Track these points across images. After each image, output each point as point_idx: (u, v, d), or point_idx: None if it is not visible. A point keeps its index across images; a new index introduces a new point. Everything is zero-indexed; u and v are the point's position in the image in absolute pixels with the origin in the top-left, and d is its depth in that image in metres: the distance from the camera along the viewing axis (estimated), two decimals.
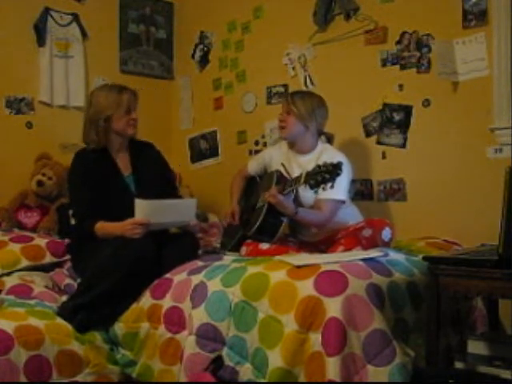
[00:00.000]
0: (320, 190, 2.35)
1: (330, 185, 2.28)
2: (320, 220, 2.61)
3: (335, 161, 2.30)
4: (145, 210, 2.43)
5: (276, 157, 2.89)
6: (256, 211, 2.72)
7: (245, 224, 2.81)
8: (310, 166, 2.41)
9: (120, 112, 2.62)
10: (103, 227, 2.51)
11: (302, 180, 2.36)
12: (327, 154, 2.71)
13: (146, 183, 2.69)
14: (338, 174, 2.26)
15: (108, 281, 2.33)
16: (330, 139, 2.88)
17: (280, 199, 2.48)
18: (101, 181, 2.59)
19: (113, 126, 2.63)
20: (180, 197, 2.97)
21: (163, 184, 2.77)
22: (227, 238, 2.99)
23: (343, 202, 2.66)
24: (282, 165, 2.68)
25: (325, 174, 2.25)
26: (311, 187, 2.32)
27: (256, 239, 2.69)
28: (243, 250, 2.73)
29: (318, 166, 2.30)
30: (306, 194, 2.58)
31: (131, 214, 2.43)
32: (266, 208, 2.59)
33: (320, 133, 2.82)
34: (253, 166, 3.03)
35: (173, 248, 2.54)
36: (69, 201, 2.75)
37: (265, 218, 2.60)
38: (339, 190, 2.54)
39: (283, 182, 2.56)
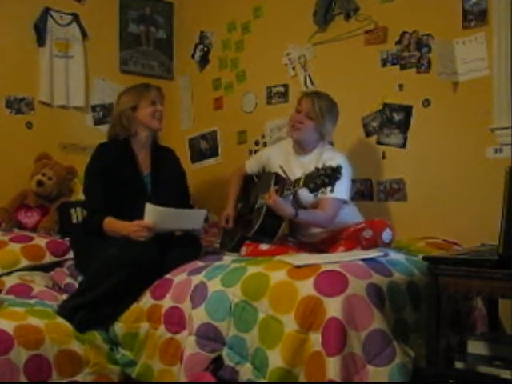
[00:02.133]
0: (319, 194, 2.35)
1: (329, 189, 2.27)
2: (323, 220, 2.60)
3: (335, 163, 2.29)
4: (154, 215, 2.44)
5: (275, 156, 2.88)
6: (255, 212, 2.71)
7: (244, 225, 2.81)
8: (311, 166, 2.41)
9: (145, 102, 2.71)
10: (111, 223, 2.52)
11: (302, 183, 2.34)
12: (327, 154, 2.71)
13: (162, 185, 2.72)
14: (338, 178, 2.24)
15: (110, 281, 2.33)
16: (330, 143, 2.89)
17: (278, 202, 2.47)
18: (119, 175, 2.62)
19: (138, 116, 2.69)
20: (192, 207, 2.99)
21: (178, 190, 2.80)
22: (227, 237, 2.99)
23: (345, 201, 2.66)
24: (281, 167, 2.67)
25: (324, 178, 2.23)
26: (310, 191, 2.30)
27: (256, 240, 2.69)
28: (243, 250, 2.72)
29: (317, 169, 2.28)
30: (306, 194, 2.58)
31: (143, 212, 2.44)
32: (265, 209, 2.59)
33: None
34: (251, 165, 3.03)
35: (176, 250, 2.54)
36: (83, 190, 2.76)
37: (264, 219, 2.59)
38: (341, 189, 2.54)
39: (282, 184, 2.56)
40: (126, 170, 2.66)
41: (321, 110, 2.68)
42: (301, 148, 2.79)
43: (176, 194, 2.75)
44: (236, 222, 2.94)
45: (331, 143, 2.89)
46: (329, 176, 2.23)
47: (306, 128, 2.71)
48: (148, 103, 2.71)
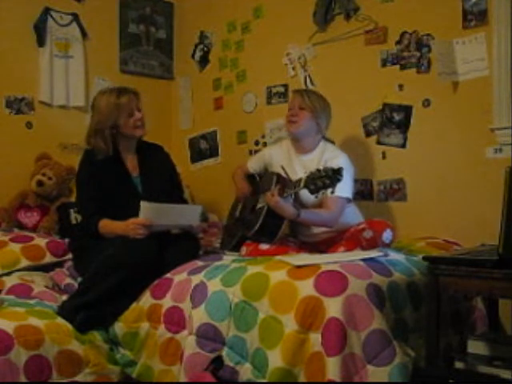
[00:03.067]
0: (319, 195, 2.34)
1: (330, 190, 2.27)
2: (328, 219, 2.58)
3: (336, 164, 2.29)
4: (149, 212, 2.44)
5: (276, 156, 2.89)
6: (256, 212, 2.71)
7: (245, 224, 2.81)
8: (313, 165, 2.41)
9: (123, 117, 2.61)
10: (107, 225, 2.51)
11: (302, 184, 2.34)
12: (329, 153, 2.71)
13: (153, 185, 2.70)
14: (339, 180, 2.24)
15: (109, 281, 2.33)
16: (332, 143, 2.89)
17: (279, 202, 2.47)
18: (109, 180, 2.61)
19: (121, 132, 2.64)
20: (186, 201, 2.98)
21: (170, 187, 2.78)
22: (228, 236, 2.98)
23: (349, 200, 2.66)
24: (282, 167, 2.67)
25: (325, 180, 2.23)
26: (311, 192, 2.30)
27: (256, 240, 2.69)
28: (243, 250, 2.72)
29: (318, 171, 2.27)
30: (307, 194, 2.57)
31: (137, 214, 2.44)
32: (265, 209, 2.58)
33: (323, 135, 2.82)
34: (253, 165, 3.03)
35: (174, 249, 2.54)
36: (76, 197, 2.75)
37: (265, 219, 2.59)
38: (345, 187, 2.53)
39: (283, 184, 2.55)
40: (116, 174, 2.64)
41: (311, 100, 2.73)
42: (301, 146, 2.79)
43: (168, 191, 2.73)
44: (236, 222, 2.94)
45: (333, 142, 2.89)
46: (330, 178, 2.23)
47: (302, 119, 2.72)
48: (126, 116, 2.61)
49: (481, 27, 2.74)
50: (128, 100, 2.62)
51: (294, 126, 2.74)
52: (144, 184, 2.70)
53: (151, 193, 2.63)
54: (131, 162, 2.72)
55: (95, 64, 3.79)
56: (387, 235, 2.52)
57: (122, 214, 2.49)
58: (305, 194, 2.56)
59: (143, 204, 2.43)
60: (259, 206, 2.70)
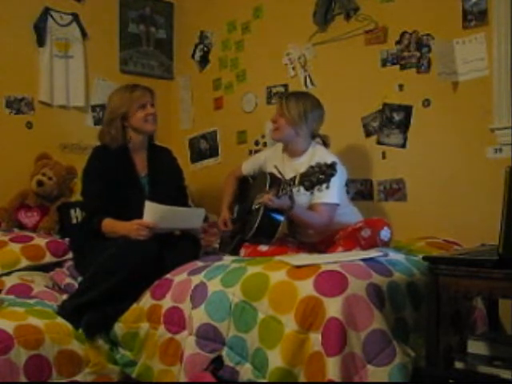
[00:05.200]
0: (315, 192, 2.34)
1: (325, 185, 2.27)
2: (316, 222, 2.60)
3: (328, 161, 2.29)
4: (154, 213, 2.44)
5: (271, 158, 2.89)
6: (252, 213, 2.70)
7: (243, 226, 2.80)
8: (303, 169, 2.39)
9: (134, 108, 2.65)
10: (110, 224, 2.52)
11: (297, 182, 2.34)
12: (319, 156, 2.69)
13: (160, 187, 2.70)
14: (333, 174, 2.25)
15: (110, 281, 2.33)
16: (325, 142, 2.87)
17: (276, 203, 2.48)
18: (116, 178, 2.61)
19: (130, 123, 2.67)
20: (189, 206, 2.98)
21: (175, 191, 2.79)
22: (226, 238, 2.98)
23: (337, 205, 2.65)
24: (275, 167, 2.67)
25: (319, 175, 2.24)
26: (306, 189, 2.30)
27: (255, 241, 2.69)
28: (242, 252, 2.72)
29: (312, 167, 2.29)
30: (300, 198, 2.58)
31: (141, 214, 2.44)
32: (262, 210, 2.58)
33: (313, 136, 2.81)
34: (247, 167, 3.03)
35: (175, 250, 2.54)
36: (80, 193, 2.75)
37: (262, 220, 2.59)
38: (333, 193, 2.53)
39: (277, 183, 2.55)
40: (123, 173, 2.65)
41: (288, 108, 2.71)
42: (290, 150, 2.80)
43: (174, 195, 2.73)
44: (234, 224, 2.93)
45: (326, 143, 2.87)
46: (324, 172, 2.24)
47: (280, 126, 2.73)
48: (137, 108, 2.66)
49: (481, 27, 2.74)
50: (140, 93, 2.68)
51: (274, 132, 2.79)
52: (151, 185, 2.70)
53: (157, 195, 2.62)
54: (140, 162, 2.73)
55: (95, 64, 3.79)
56: (385, 233, 2.52)
57: (125, 213, 2.49)
58: (298, 197, 2.56)
59: (148, 204, 2.44)
60: (255, 207, 2.70)
